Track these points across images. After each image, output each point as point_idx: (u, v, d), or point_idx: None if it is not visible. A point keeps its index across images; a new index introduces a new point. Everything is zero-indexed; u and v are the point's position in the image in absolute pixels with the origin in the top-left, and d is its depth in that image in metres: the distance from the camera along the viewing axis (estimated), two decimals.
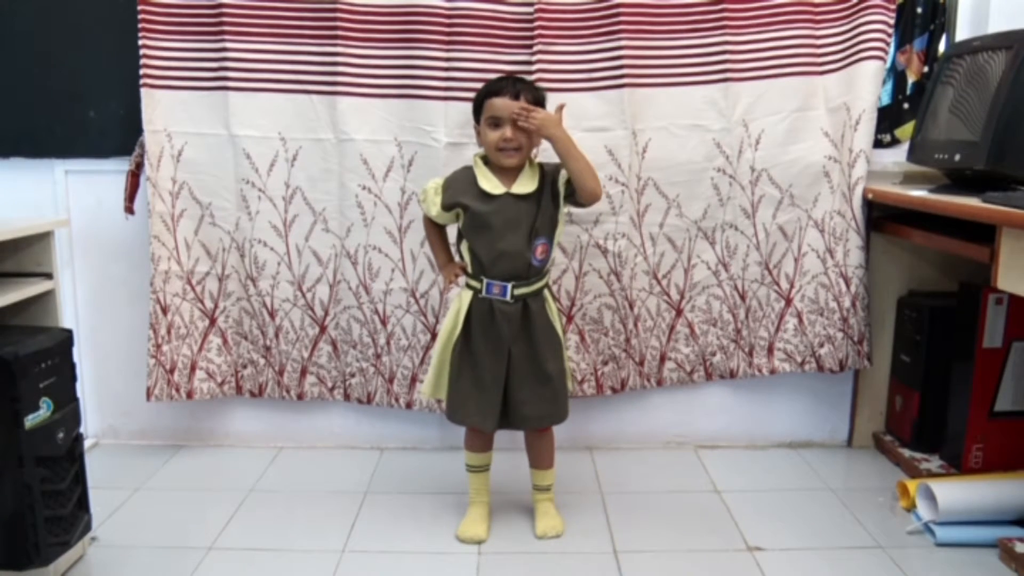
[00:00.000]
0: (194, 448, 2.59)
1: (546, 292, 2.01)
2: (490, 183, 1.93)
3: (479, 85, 2.03)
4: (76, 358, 1.85)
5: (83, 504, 1.85)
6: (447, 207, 1.97)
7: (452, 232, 2.10)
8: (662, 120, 2.34)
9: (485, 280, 1.95)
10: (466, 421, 2.02)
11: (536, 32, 2.27)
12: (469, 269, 2.00)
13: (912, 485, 2.13)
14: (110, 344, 2.57)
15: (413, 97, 2.31)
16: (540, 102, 1.96)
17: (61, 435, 1.74)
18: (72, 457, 1.80)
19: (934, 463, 2.34)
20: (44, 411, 1.69)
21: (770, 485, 2.35)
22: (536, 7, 2.27)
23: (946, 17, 2.50)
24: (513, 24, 2.30)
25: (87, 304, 2.56)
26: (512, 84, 1.93)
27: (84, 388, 2.50)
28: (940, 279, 2.47)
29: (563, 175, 1.95)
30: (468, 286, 2.00)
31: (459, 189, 1.96)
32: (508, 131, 1.89)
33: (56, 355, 1.75)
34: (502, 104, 1.89)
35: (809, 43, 2.35)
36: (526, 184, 1.94)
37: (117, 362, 2.56)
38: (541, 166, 1.98)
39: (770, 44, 2.34)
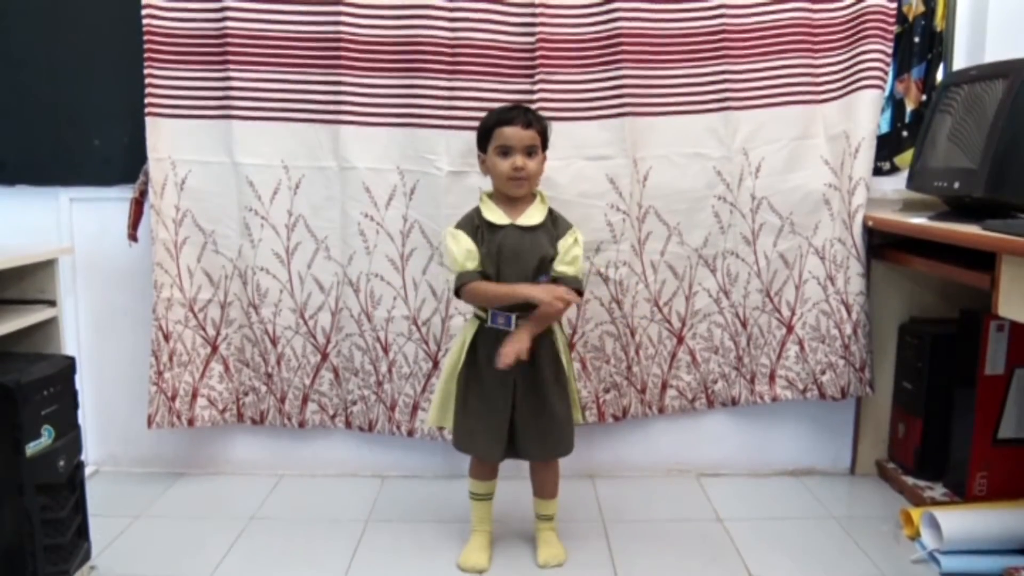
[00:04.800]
0: (195, 476, 2.57)
1: (553, 323, 1.98)
2: (495, 215, 1.94)
3: (482, 114, 2.04)
4: (78, 385, 1.84)
5: (83, 532, 1.84)
6: (474, 237, 1.93)
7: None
8: (663, 148, 2.35)
9: (490, 310, 1.93)
10: (472, 450, 2.01)
11: (538, 62, 2.29)
12: None
13: (916, 513, 2.11)
14: (112, 371, 2.56)
15: (415, 126, 2.31)
16: (545, 132, 1.97)
17: (62, 463, 1.73)
18: (72, 485, 1.79)
19: (938, 491, 2.32)
20: (45, 439, 1.69)
21: (773, 513, 2.33)
22: (538, 37, 2.28)
23: (943, 46, 2.51)
24: (515, 54, 2.31)
25: (89, 331, 2.55)
26: (523, 113, 1.93)
27: (85, 415, 2.44)
28: (941, 306, 2.46)
29: (564, 251, 1.93)
30: (475, 316, 1.99)
31: (473, 222, 1.96)
32: (519, 159, 1.90)
33: (58, 382, 1.74)
34: (513, 133, 1.90)
35: (808, 72, 2.36)
36: (533, 216, 1.94)
37: (119, 389, 2.55)
38: (552, 212, 1.98)
39: (770, 73, 2.35)
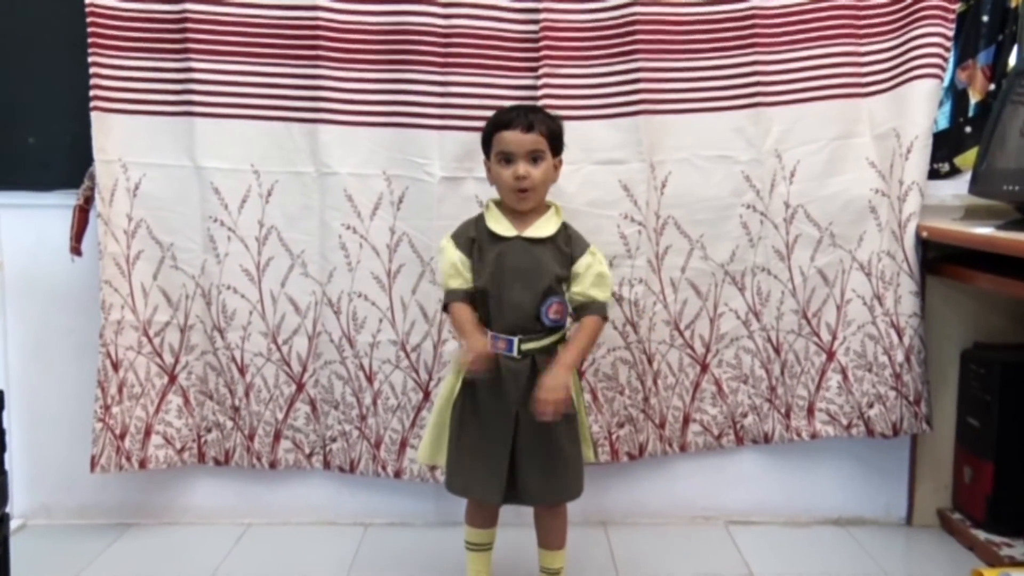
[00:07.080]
0: (145, 527, 2.42)
1: (560, 349, 1.88)
2: (501, 225, 1.85)
3: (478, 112, 2.02)
4: (5, 423, 1.74)
5: None
6: (467, 249, 1.85)
7: None
8: (683, 151, 2.25)
9: (490, 333, 1.84)
10: (467, 492, 1.90)
11: (542, 53, 2.19)
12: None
13: (992, 575, 1.91)
14: (49, 406, 2.41)
15: (404, 126, 2.23)
16: (556, 133, 1.87)
17: None
18: None
19: (1018, 549, 2.14)
20: None
21: (815, 569, 2.18)
22: (542, 25, 2.18)
23: (1018, 26, 2.39)
24: (516, 44, 2.22)
25: (22, 360, 2.42)
26: (524, 115, 1.84)
27: (13, 459, 2.26)
28: (1012, 329, 2.33)
29: (584, 270, 1.83)
30: None
31: (468, 232, 1.88)
32: (521, 167, 1.80)
33: None
34: (512, 138, 1.81)
35: (852, 61, 2.25)
36: (543, 228, 1.85)
37: (55, 427, 2.40)
38: (567, 228, 1.89)
39: (806, 63, 2.25)
